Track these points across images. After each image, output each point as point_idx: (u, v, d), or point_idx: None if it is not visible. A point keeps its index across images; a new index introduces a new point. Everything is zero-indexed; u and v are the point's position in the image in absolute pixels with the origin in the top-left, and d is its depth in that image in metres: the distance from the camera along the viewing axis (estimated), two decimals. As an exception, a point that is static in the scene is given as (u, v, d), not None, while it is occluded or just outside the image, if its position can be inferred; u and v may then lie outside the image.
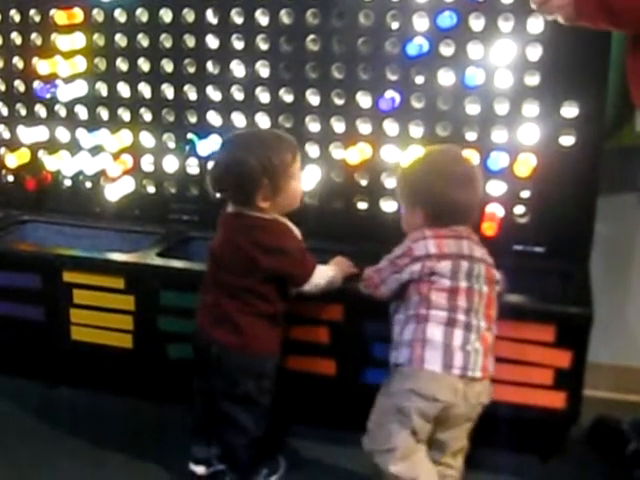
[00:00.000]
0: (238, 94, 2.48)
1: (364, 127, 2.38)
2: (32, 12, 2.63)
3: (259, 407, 2.03)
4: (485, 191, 2.03)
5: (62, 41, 2.55)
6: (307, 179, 2.40)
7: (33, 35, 2.66)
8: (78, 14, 2.56)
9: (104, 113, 2.66)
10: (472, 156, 2.15)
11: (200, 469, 2.11)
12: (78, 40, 2.58)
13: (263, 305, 1.98)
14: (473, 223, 1.97)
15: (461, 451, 1.95)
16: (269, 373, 2.03)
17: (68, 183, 2.75)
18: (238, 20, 2.42)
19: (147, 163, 2.65)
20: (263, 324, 2.00)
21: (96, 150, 2.66)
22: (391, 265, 1.92)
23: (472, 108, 2.28)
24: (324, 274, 2.02)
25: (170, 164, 2.61)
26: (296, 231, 2.04)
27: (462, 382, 1.82)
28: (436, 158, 2.00)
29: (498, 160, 2.27)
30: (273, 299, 1.99)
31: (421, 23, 2.25)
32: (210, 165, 2.04)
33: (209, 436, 2.12)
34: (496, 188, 2.29)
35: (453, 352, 1.82)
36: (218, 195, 2.00)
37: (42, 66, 2.59)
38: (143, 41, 2.54)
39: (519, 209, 2.30)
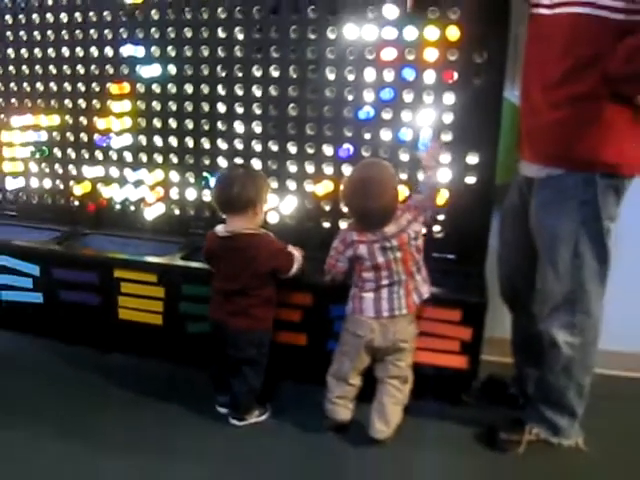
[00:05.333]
0: (239, 144, 2.46)
1: (328, 169, 2.37)
2: (93, 85, 2.60)
3: (260, 366, 2.05)
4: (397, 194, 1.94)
5: (115, 106, 2.53)
6: (287, 206, 2.42)
7: (94, 101, 2.62)
8: (126, 87, 2.54)
9: (144, 157, 2.63)
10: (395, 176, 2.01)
11: (223, 409, 2.13)
12: (126, 105, 2.56)
13: (264, 292, 2.00)
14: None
15: (406, 380, 1.97)
16: (266, 343, 2.05)
17: (118, 207, 2.71)
18: (239, 92, 2.40)
19: (174, 193, 2.62)
20: (265, 308, 2.02)
21: (138, 183, 2.64)
22: (335, 251, 1.95)
23: (404, 156, 2.27)
24: (297, 261, 2.04)
25: (190, 194, 2.58)
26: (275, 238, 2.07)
27: (382, 324, 1.89)
28: (353, 175, 1.95)
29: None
30: (271, 287, 2.03)
31: (369, 96, 2.24)
32: (217, 194, 2.01)
33: (225, 388, 2.10)
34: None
35: (381, 302, 1.89)
36: (223, 214, 2.01)
37: (100, 123, 2.58)
38: (172, 106, 2.52)
39: (436, 227, 2.29)
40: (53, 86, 2.67)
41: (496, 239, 2.20)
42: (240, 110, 2.42)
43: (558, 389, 1.86)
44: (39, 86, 2.69)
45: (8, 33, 2.67)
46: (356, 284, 1.93)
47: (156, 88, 2.51)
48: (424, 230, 1.97)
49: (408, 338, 1.93)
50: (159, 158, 2.61)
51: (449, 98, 2.16)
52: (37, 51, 2.65)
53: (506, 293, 2.07)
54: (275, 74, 2.33)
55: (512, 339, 2.13)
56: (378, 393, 1.96)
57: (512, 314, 2.10)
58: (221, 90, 2.43)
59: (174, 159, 2.59)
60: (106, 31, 2.52)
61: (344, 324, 1.97)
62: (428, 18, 2.09)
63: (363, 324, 1.90)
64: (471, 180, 2.20)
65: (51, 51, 2.63)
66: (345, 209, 1.97)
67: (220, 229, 2.00)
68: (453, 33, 2.07)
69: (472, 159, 2.18)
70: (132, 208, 2.69)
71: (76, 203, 2.78)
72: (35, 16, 2.60)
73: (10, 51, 2.69)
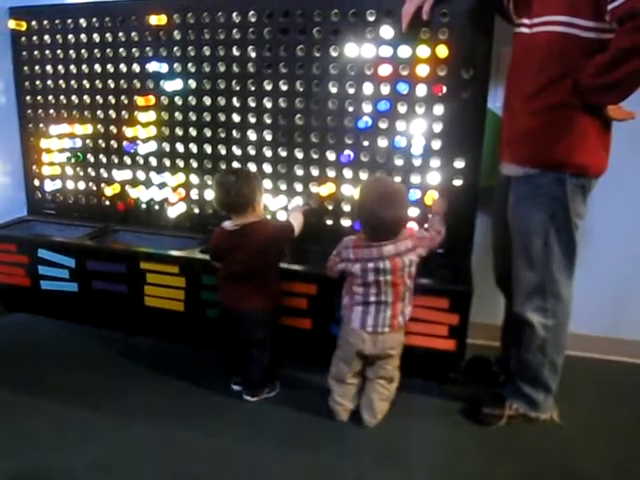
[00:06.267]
0: (252, 151, 2.49)
1: (331, 172, 2.39)
2: (122, 97, 2.64)
3: (266, 346, 2.06)
4: (407, 211, 2.00)
5: (141, 116, 2.56)
6: (297, 204, 2.41)
7: (123, 112, 2.66)
8: (152, 99, 2.57)
9: (167, 162, 2.66)
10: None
11: (237, 387, 2.15)
12: (151, 115, 2.59)
13: (270, 274, 2.04)
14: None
15: (392, 380, 1.97)
16: (270, 322, 2.06)
17: (144, 206, 2.74)
18: (252, 104, 2.43)
19: (194, 194, 2.65)
20: (269, 288, 2.04)
21: (162, 185, 2.67)
22: (333, 259, 1.95)
23: (398, 161, 2.29)
24: (296, 224, 2.09)
25: (208, 195, 2.60)
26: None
27: (372, 334, 1.87)
28: (373, 186, 1.90)
29: (415, 194, 2.28)
30: (275, 270, 2.07)
31: (367, 107, 2.27)
32: (218, 199, 2.04)
33: (236, 368, 2.14)
34: (413, 212, 2.30)
35: (367, 317, 1.87)
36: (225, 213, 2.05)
37: (128, 132, 2.61)
38: (192, 116, 2.55)
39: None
40: (87, 99, 2.71)
41: (480, 234, 2.26)
42: (253, 120, 2.45)
43: (534, 366, 1.88)
44: (74, 99, 2.73)
45: (47, 51, 2.71)
46: (349, 295, 1.92)
47: (178, 100, 2.54)
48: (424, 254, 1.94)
49: (396, 345, 1.93)
50: (181, 163, 2.63)
51: (439, 109, 2.18)
52: (72, 67, 2.69)
53: (500, 281, 2.08)
54: (284, 88, 2.35)
55: (503, 322, 2.14)
56: (366, 390, 1.96)
57: (506, 299, 2.10)
58: (236, 102, 2.45)
59: (194, 163, 2.61)
60: (133, 49, 2.55)
61: (340, 331, 1.97)
62: (420, 38, 2.11)
63: (354, 334, 1.89)
64: (458, 182, 2.22)
65: (84, 67, 2.66)
66: (358, 217, 1.91)
67: (228, 224, 2.02)
68: (442, 51, 2.10)
69: (459, 164, 2.20)
70: (157, 207, 2.71)
71: (107, 203, 2.81)
72: (70, 36, 2.64)
73: (49, 67, 2.73)
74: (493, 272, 2.11)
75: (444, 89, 2.16)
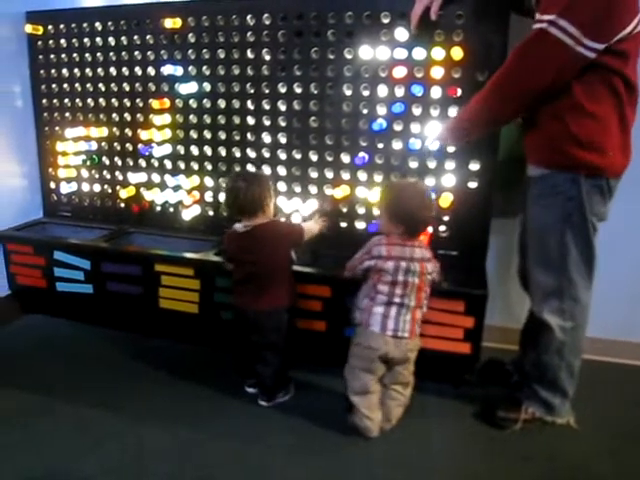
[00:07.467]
0: (266, 153, 2.49)
1: (345, 175, 2.39)
2: (137, 100, 2.66)
3: (280, 349, 2.06)
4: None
5: (156, 119, 2.58)
6: (309, 208, 2.42)
7: (138, 115, 2.68)
8: (166, 102, 2.58)
9: (182, 164, 2.67)
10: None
11: (251, 390, 2.17)
12: (166, 118, 2.61)
13: (283, 274, 2.03)
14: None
15: (408, 385, 1.96)
16: (285, 324, 2.04)
17: (159, 208, 2.75)
18: (266, 107, 2.43)
19: (208, 196, 2.66)
20: (283, 288, 2.03)
21: (176, 188, 2.68)
22: (358, 260, 1.92)
23: (413, 164, 2.29)
24: (307, 230, 2.10)
25: (223, 197, 2.59)
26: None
27: (393, 338, 1.85)
28: (410, 188, 1.93)
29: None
30: (288, 269, 2.07)
31: (382, 110, 2.27)
32: (229, 204, 2.05)
33: (250, 372, 2.14)
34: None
35: (388, 320, 1.85)
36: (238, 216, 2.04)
37: (143, 134, 2.63)
38: (207, 119, 2.56)
39: (442, 227, 2.30)
40: (102, 102, 2.73)
41: (495, 237, 2.25)
42: (267, 122, 2.45)
43: (552, 370, 1.86)
44: (90, 102, 2.75)
45: (63, 55, 2.74)
46: (369, 295, 1.89)
47: (193, 103, 2.55)
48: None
49: (415, 348, 1.92)
50: (195, 165, 2.64)
51: (453, 112, 2.16)
52: (88, 71, 2.71)
53: (524, 282, 2.06)
54: (298, 90, 2.36)
55: (524, 324, 2.11)
56: (382, 395, 1.94)
57: (530, 301, 2.06)
58: (250, 105, 2.46)
59: (208, 166, 2.61)
60: (148, 53, 2.57)
61: (355, 338, 1.92)
62: (435, 40, 2.11)
63: (375, 337, 1.85)
64: (473, 185, 2.21)
65: (100, 70, 2.68)
66: (393, 215, 1.88)
67: (240, 226, 2.02)
68: (457, 53, 2.09)
69: (474, 166, 2.20)
70: (171, 210, 2.72)
71: (122, 205, 2.83)
72: (86, 40, 2.67)
73: (64, 71, 2.76)
74: (517, 273, 2.10)
75: (459, 91, 2.15)
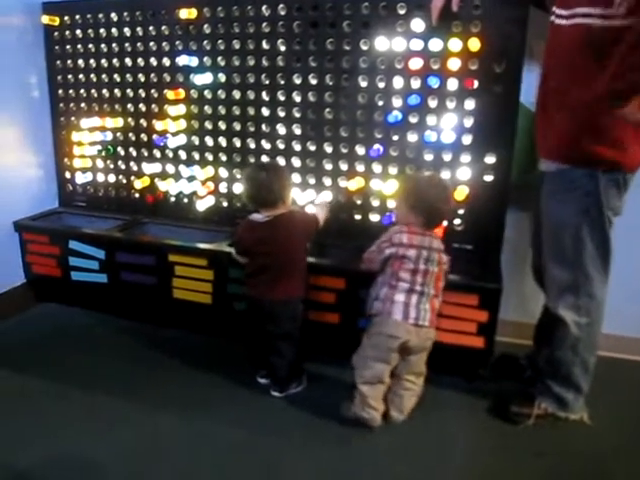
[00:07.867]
0: (281, 145, 2.49)
1: (360, 167, 2.38)
2: (152, 91, 2.66)
3: (295, 340, 2.06)
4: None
5: (171, 109, 2.59)
6: (323, 199, 2.41)
7: (153, 105, 2.69)
8: (181, 93, 2.59)
9: (196, 155, 2.68)
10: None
11: (263, 380, 2.17)
12: (181, 109, 2.61)
13: (299, 264, 2.04)
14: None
15: (421, 374, 1.96)
16: (300, 314, 2.05)
17: (173, 199, 2.76)
18: (281, 98, 2.43)
19: (223, 187, 2.67)
20: (299, 278, 2.04)
21: (191, 178, 2.69)
22: (378, 249, 1.93)
23: (428, 156, 2.28)
24: (321, 218, 2.12)
25: (237, 188, 2.62)
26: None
27: (414, 327, 1.84)
28: (430, 181, 1.99)
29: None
30: (304, 260, 2.07)
31: (397, 102, 2.26)
32: (249, 196, 2.04)
33: (263, 362, 2.15)
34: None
35: (409, 309, 1.85)
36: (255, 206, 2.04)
37: (158, 125, 2.63)
38: (221, 110, 2.56)
39: (457, 221, 2.29)
40: (117, 92, 2.73)
41: (510, 231, 2.24)
42: (282, 114, 2.44)
43: (566, 365, 1.86)
44: (105, 92, 2.76)
45: (79, 46, 2.75)
46: (389, 284, 1.88)
47: (208, 94, 2.55)
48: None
49: (433, 337, 1.92)
50: (210, 156, 2.64)
51: (470, 104, 2.15)
52: (103, 61, 2.72)
53: (537, 277, 2.05)
54: (313, 81, 2.35)
55: (539, 319, 2.10)
56: (394, 387, 1.94)
57: (545, 296, 2.04)
58: (265, 96, 2.45)
59: (223, 157, 2.62)
60: (164, 43, 2.57)
61: (372, 328, 1.90)
62: (452, 31, 2.09)
63: (399, 326, 1.84)
64: (489, 178, 2.20)
65: (115, 61, 2.69)
66: (413, 206, 1.91)
67: (258, 216, 2.01)
68: (474, 44, 2.07)
69: (490, 159, 2.18)
70: (185, 200, 2.73)
71: (137, 195, 2.83)
72: (102, 30, 2.67)
73: (80, 62, 2.77)
74: (531, 268, 2.09)
75: (476, 83, 2.14)
